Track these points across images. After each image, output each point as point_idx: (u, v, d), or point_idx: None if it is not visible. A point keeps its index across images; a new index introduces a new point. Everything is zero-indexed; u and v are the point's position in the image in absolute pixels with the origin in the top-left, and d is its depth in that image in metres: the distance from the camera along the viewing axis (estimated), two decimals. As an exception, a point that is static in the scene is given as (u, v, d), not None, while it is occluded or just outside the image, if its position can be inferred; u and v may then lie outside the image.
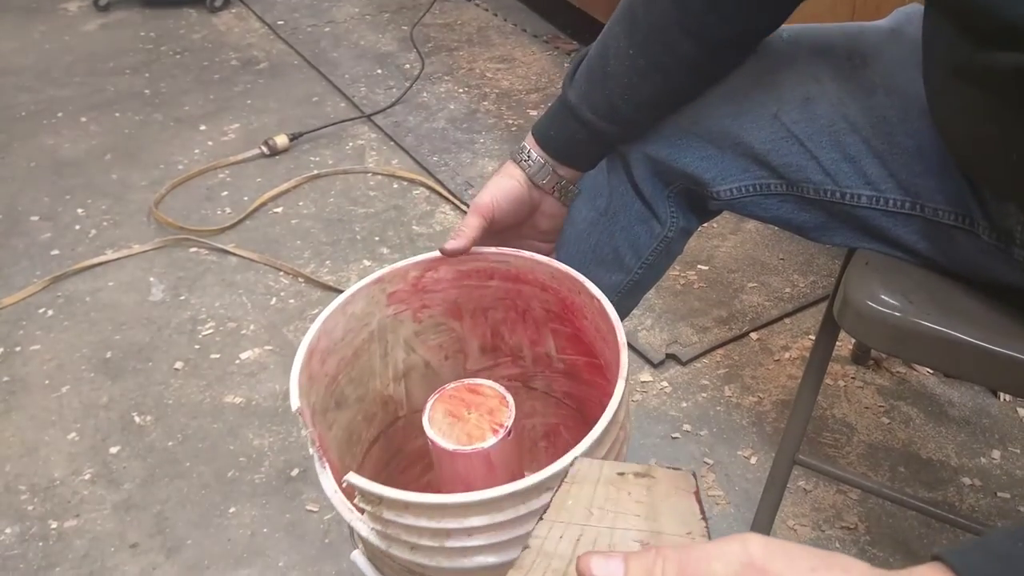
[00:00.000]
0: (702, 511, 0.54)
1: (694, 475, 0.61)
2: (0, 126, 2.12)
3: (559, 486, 0.58)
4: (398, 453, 1.00)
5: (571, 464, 0.63)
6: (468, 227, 0.88)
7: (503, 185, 0.89)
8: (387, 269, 0.89)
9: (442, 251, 0.88)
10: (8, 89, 2.29)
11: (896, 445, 1.26)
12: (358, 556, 0.78)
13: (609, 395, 0.76)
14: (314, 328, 0.81)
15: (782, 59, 0.88)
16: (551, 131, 0.89)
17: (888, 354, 1.21)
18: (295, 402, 0.75)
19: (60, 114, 2.17)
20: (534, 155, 0.89)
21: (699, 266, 1.57)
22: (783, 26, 0.93)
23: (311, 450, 0.77)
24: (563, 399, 1.04)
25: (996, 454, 1.24)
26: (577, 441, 0.73)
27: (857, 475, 1.17)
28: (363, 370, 0.92)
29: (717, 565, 0.38)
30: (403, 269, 0.90)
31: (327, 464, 0.74)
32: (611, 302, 0.88)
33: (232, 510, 1.20)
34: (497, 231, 0.90)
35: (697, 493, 0.57)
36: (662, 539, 0.48)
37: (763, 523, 1.08)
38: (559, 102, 0.89)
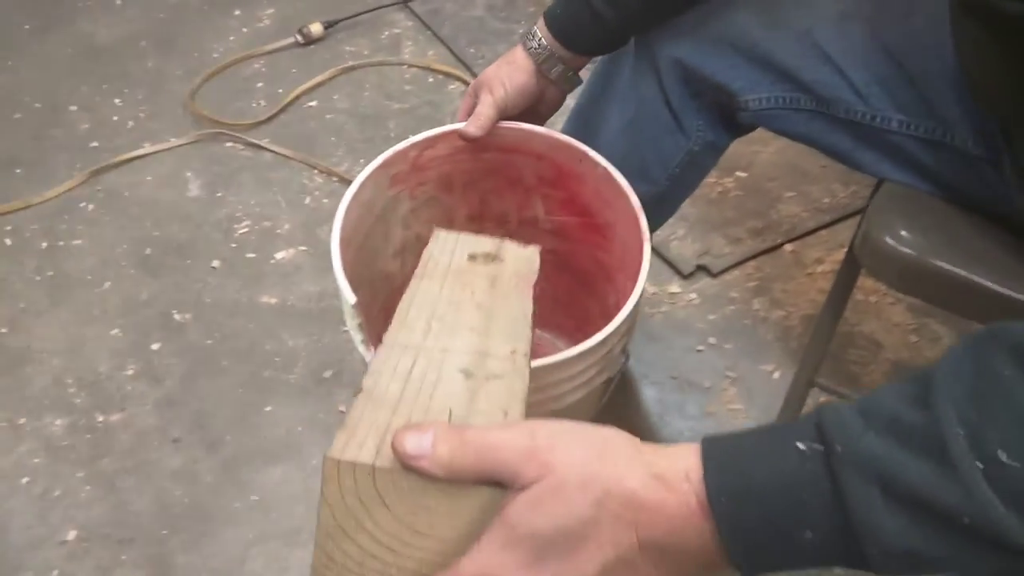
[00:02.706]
0: (533, 312, 0.60)
1: (540, 252, 0.69)
2: (35, 8, 2.11)
3: (411, 281, 0.63)
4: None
5: (432, 237, 0.70)
6: (486, 116, 0.93)
7: (515, 79, 0.93)
8: (390, 152, 0.95)
9: (461, 135, 0.95)
10: (43, -31, 2.26)
11: (922, 364, 1.26)
12: None
13: (605, 249, 0.84)
14: (338, 223, 0.88)
15: None
16: (558, 9, 0.91)
17: (906, 294, 1.20)
18: (350, 297, 0.83)
19: (95, -3, 2.15)
20: (544, 41, 0.91)
21: (737, 173, 1.54)
22: None
23: (358, 337, 0.85)
24: (546, 256, 1.09)
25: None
26: (556, 288, 0.78)
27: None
28: (371, 251, 0.98)
29: (506, 454, 0.43)
30: (404, 150, 0.97)
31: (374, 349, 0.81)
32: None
33: (268, 408, 1.25)
34: (506, 119, 0.96)
35: (536, 285, 0.65)
36: (487, 363, 0.53)
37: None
38: (585, 10, 0.88)
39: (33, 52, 1.97)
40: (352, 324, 0.86)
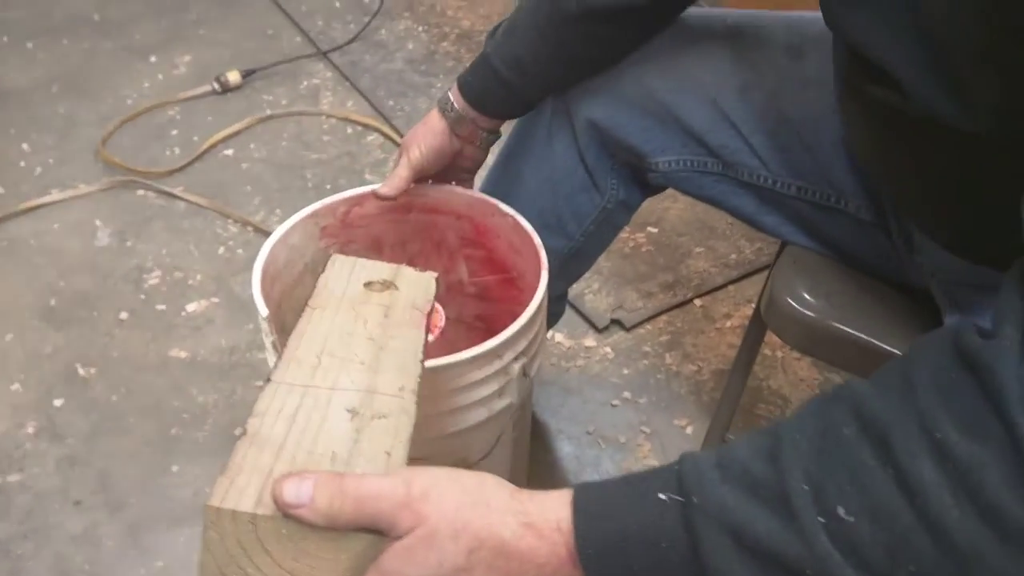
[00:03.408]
0: (424, 345, 0.62)
1: (437, 281, 0.72)
2: (-59, 49, 2.05)
3: (304, 310, 0.64)
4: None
5: (329, 262, 0.71)
6: (400, 177, 0.94)
7: (429, 140, 0.94)
8: (319, 204, 0.96)
9: (376, 195, 0.95)
10: (-51, 8, 2.20)
11: (827, 417, 1.30)
12: None
13: (522, 303, 0.85)
14: (263, 252, 0.89)
15: (725, 43, 0.89)
16: (469, 77, 0.92)
17: (808, 355, 1.25)
18: (263, 310, 0.83)
19: (4, 38, 2.10)
20: (456, 105, 0.93)
21: (648, 228, 1.58)
22: (728, 11, 0.94)
23: (272, 359, 0.84)
24: (474, 322, 1.11)
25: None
26: None
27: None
28: (300, 300, 0.96)
29: (382, 504, 0.44)
30: (333, 204, 0.97)
31: None
32: (555, 268, 0.92)
33: (175, 468, 1.22)
34: (424, 178, 0.97)
35: (429, 314, 0.67)
36: (375, 401, 0.54)
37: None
38: (480, 53, 0.92)
39: (-64, 94, 1.91)
40: (267, 343, 0.86)
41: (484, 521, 0.45)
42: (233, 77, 1.92)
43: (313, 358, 0.58)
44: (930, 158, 0.63)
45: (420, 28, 2.17)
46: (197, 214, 1.62)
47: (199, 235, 1.58)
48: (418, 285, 0.70)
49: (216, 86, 1.91)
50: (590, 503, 0.46)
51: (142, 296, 1.46)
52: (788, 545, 0.42)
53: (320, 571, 0.45)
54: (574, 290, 1.41)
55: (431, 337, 0.85)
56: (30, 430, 1.26)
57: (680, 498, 0.44)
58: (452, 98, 0.92)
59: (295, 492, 0.44)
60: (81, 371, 1.34)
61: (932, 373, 0.44)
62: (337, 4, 2.26)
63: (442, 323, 0.92)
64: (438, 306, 0.92)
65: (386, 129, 1.82)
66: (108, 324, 1.41)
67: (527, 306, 0.85)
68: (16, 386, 1.32)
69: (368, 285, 0.69)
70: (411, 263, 1.08)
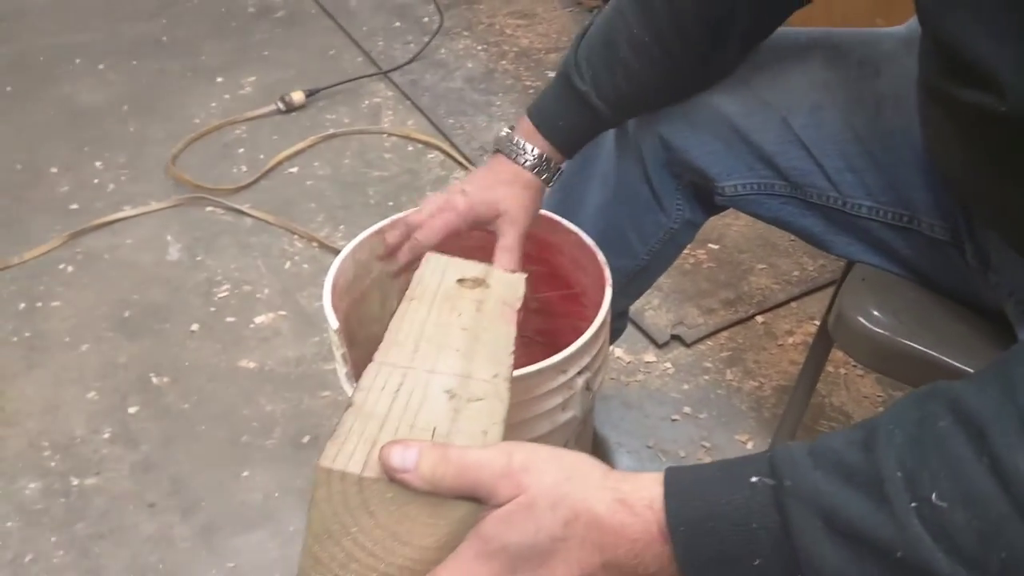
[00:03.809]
0: (516, 339, 0.64)
1: (526, 281, 0.74)
2: (19, 71, 2.13)
3: (402, 301, 0.67)
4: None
5: (423, 259, 0.74)
6: (515, 249, 0.88)
7: (526, 199, 0.88)
8: (386, 221, 0.97)
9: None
10: (26, 32, 2.29)
11: (890, 435, 1.29)
12: None
13: (584, 319, 0.85)
14: (334, 267, 0.91)
15: (796, 63, 0.89)
16: (560, 121, 0.89)
17: (876, 372, 1.24)
18: (333, 323, 0.84)
19: (78, 60, 2.18)
20: (536, 151, 0.89)
21: (709, 245, 1.58)
22: (802, 29, 0.94)
23: (342, 370, 0.86)
24: (535, 337, 1.12)
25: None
26: None
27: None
28: (366, 314, 1.00)
29: (484, 473, 0.46)
30: (399, 220, 0.97)
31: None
32: (619, 285, 0.93)
33: (245, 474, 1.25)
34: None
35: (520, 311, 0.69)
36: (470, 385, 0.57)
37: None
38: (566, 89, 0.88)
39: (15, 114, 1.99)
40: (336, 354, 0.88)
41: (580, 495, 0.46)
42: (297, 97, 1.97)
43: (412, 343, 0.62)
44: (1020, 164, 0.63)
45: (479, 47, 2.21)
46: (264, 230, 1.66)
47: (266, 250, 1.62)
48: (508, 284, 0.74)
49: (281, 105, 1.96)
50: (682, 483, 0.47)
51: (212, 308, 1.50)
52: (879, 528, 0.43)
53: (419, 535, 0.47)
54: (634, 306, 1.42)
55: None
56: (106, 436, 1.30)
57: (772, 481, 0.45)
58: (534, 148, 0.89)
59: (401, 457, 0.46)
60: (154, 380, 1.38)
61: None
62: (397, 24, 2.31)
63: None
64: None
65: (446, 147, 1.85)
66: (180, 335, 1.45)
67: (590, 322, 0.86)
68: (92, 394, 1.37)
69: (461, 281, 0.72)
70: None
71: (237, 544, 1.16)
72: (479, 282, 0.73)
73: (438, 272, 0.73)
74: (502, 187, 0.89)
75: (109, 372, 1.40)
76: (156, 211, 1.71)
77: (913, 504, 0.43)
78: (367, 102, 2.02)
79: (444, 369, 0.59)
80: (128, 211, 1.70)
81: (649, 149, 0.93)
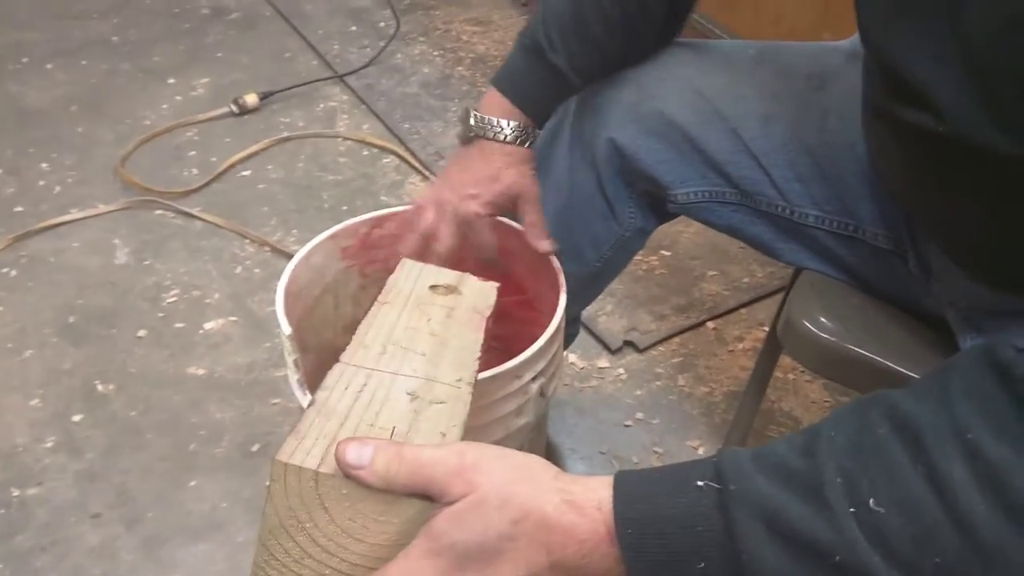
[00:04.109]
0: (482, 346, 0.66)
1: (497, 288, 0.76)
2: (-37, 70, 2.09)
3: (372, 305, 0.68)
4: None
5: (399, 265, 0.75)
6: (541, 223, 0.92)
7: (530, 170, 0.91)
8: (341, 225, 0.98)
9: (546, 252, 0.93)
10: (-29, 30, 2.24)
11: (839, 440, 1.30)
12: None
13: (539, 324, 0.86)
14: (287, 272, 0.90)
15: (747, 74, 0.90)
16: (536, 94, 0.89)
17: (823, 377, 1.26)
18: (286, 328, 0.84)
19: (25, 59, 2.13)
20: (515, 124, 0.89)
21: (661, 251, 1.59)
22: (752, 42, 0.96)
23: (294, 376, 0.85)
24: (492, 343, 1.11)
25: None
26: None
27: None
28: (319, 320, 1.00)
29: (436, 471, 0.47)
30: (354, 225, 0.99)
31: (308, 392, 0.84)
32: (571, 291, 0.93)
33: (192, 483, 1.23)
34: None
35: (489, 318, 0.71)
36: (434, 388, 0.58)
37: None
38: (539, 64, 0.88)
39: (-42, 113, 1.94)
40: (288, 360, 0.87)
41: (530, 495, 0.47)
42: (251, 99, 1.95)
43: (379, 346, 0.63)
44: (959, 181, 0.64)
45: (435, 52, 2.20)
46: (215, 234, 1.64)
47: (217, 254, 1.60)
48: (480, 292, 0.75)
49: (234, 108, 1.94)
50: (631, 486, 0.48)
51: (160, 314, 1.48)
52: (819, 532, 0.44)
53: (372, 532, 0.48)
54: (588, 312, 1.42)
55: None
56: (49, 444, 1.28)
57: (717, 485, 0.46)
58: (527, 127, 0.90)
59: (356, 454, 0.47)
60: (100, 387, 1.36)
61: (967, 382, 0.46)
62: (353, 28, 2.30)
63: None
64: None
65: (401, 151, 1.84)
66: (127, 341, 1.43)
67: (544, 327, 0.86)
68: (35, 401, 1.33)
69: (433, 288, 0.74)
70: None
71: (184, 555, 1.14)
72: (452, 289, 0.74)
73: (412, 278, 0.74)
74: (506, 172, 0.90)
75: (53, 379, 1.37)
76: (104, 214, 1.67)
77: (851, 509, 0.44)
78: (322, 106, 2.00)
79: (408, 372, 0.60)
80: (75, 214, 1.67)
81: (603, 157, 0.94)
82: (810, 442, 0.47)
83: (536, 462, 0.50)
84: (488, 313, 0.72)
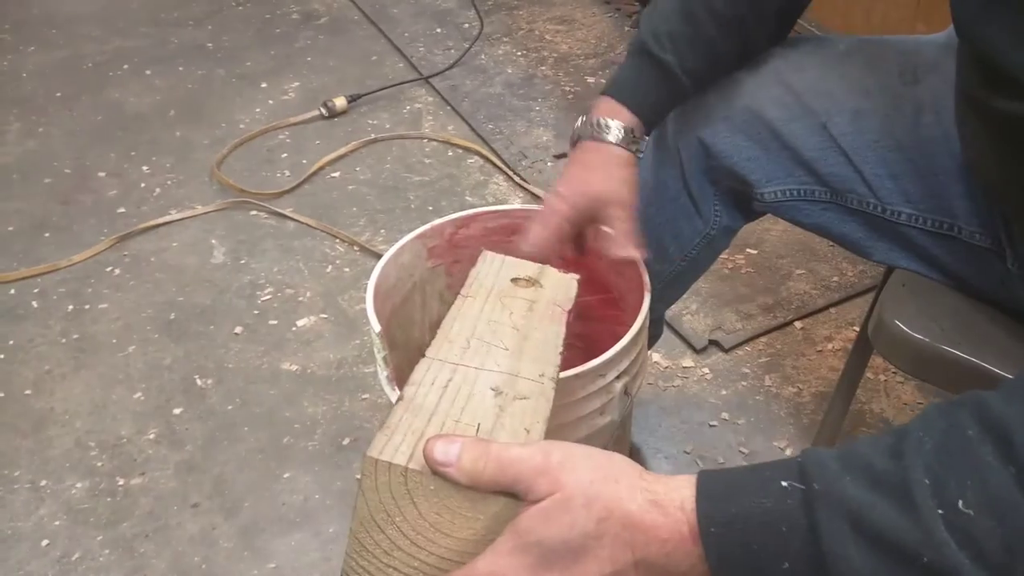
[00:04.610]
0: (564, 340, 0.66)
1: (578, 283, 0.75)
2: (69, 77, 2.19)
3: (457, 298, 0.69)
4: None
5: (480, 258, 0.76)
6: (631, 232, 0.87)
7: (630, 176, 0.87)
8: (428, 225, 0.99)
9: (635, 260, 0.87)
10: (76, 38, 2.34)
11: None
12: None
13: (622, 323, 0.85)
14: (377, 271, 0.91)
15: (837, 69, 0.89)
16: (643, 92, 0.87)
17: (916, 378, 1.23)
18: (376, 326, 0.85)
19: (125, 66, 2.22)
20: (621, 126, 0.86)
21: (748, 250, 1.58)
22: (842, 35, 0.94)
23: (383, 373, 0.88)
24: (573, 341, 1.12)
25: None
26: None
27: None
28: (407, 317, 1.01)
29: (522, 469, 0.48)
30: (440, 225, 0.99)
31: (396, 388, 0.85)
32: (655, 290, 0.93)
33: (287, 475, 1.27)
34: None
35: (570, 312, 0.71)
36: (517, 384, 0.59)
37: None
38: (647, 63, 0.87)
39: (64, 119, 2.04)
40: (378, 357, 0.90)
41: (614, 495, 0.48)
42: (339, 102, 1.99)
43: (463, 340, 0.64)
44: None
45: (519, 53, 2.22)
46: (306, 234, 1.69)
47: (308, 254, 1.64)
48: (561, 285, 0.75)
49: (323, 111, 1.99)
50: (714, 486, 0.48)
51: (255, 311, 1.53)
52: (906, 533, 0.44)
53: (459, 527, 0.49)
54: (672, 311, 1.42)
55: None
56: (151, 436, 1.33)
57: (802, 486, 0.46)
58: (617, 123, 0.86)
59: (444, 451, 0.48)
60: (199, 382, 1.41)
61: None
62: (438, 30, 2.33)
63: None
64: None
65: (485, 152, 1.86)
66: (224, 337, 1.48)
67: (628, 326, 0.86)
68: (138, 395, 1.40)
69: (515, 280, 0.74)
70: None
71: (278, 545, 1.18)
72: (533, 282, 0.75)
73: (493, 271, 0.75)
74: (596, 174, 0.86)
75: (155, 373, 1.43)
76: (201, 215, 1.74)
77: (940, 511, 0.43)
78: (408, 107, 2.04)
79: (492, 367, 0.61)
80: (174, 215, 1.73)
81: (689, 154, 0.93)
82: (897, 443, 0.46)
83: (621, 461, 0.50)
84: (569, 306, 0.72)
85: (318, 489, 1.25)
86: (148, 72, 2.21)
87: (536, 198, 1.72)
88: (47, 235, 1.70)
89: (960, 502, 0.43)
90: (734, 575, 0.47)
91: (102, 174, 1.86)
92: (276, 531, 1.20)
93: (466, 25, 2.34)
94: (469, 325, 0.66)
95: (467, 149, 1.88)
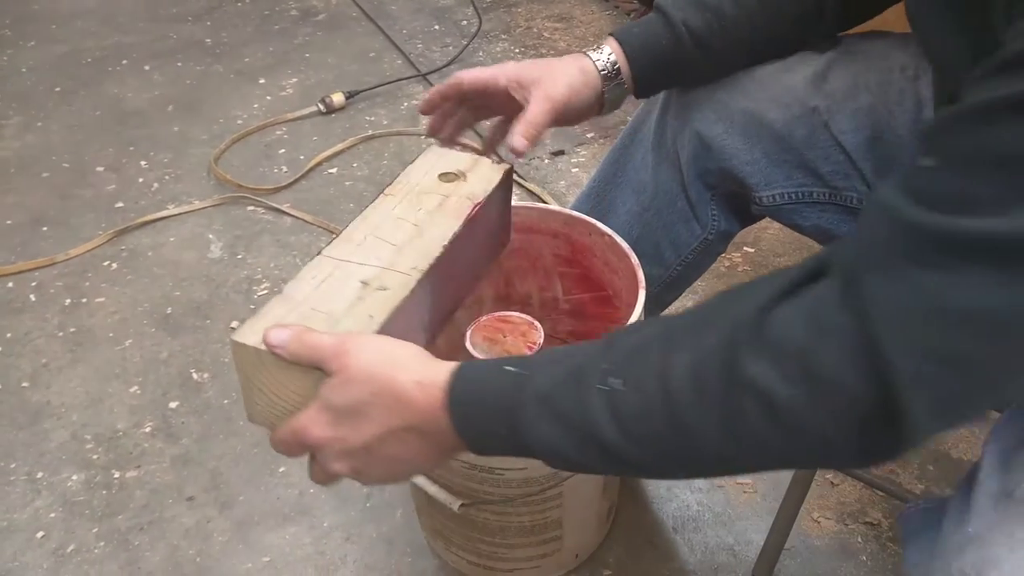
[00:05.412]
0: (456, 233, 0.72)
1: (507, 173, 0.79)
2: (68, 72, 2.19)
3: (379, 196, 0.76)
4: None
5: (427, 150, 0.81)
6: (540, 125, 0.82)
7: (582, 94, 0.85)
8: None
9: (512, 150, 0.81)
10: (74, 34, 2.34)
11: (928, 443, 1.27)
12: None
13: (617, 321, 0.88)
14: None
15: (837, 66, 0.88)
16: (639, 33, 0.86)
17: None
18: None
19: (124, 61, 2.23)
20: (610, 54, 0.86)
21: (745, 248, 1.58)
22: (844, 33, 0.94)
23: None
24: (568, 339, 1.13)
25: (1027, 456, 1.26)
26: None
27: (884, 472, 1.20)
28: None
29: (322, 352, 0.62)
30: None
31: None
32: (651, 294, 0.93)
33: (281, 470, 1.27)
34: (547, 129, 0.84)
35: (480, 205, 0.75)
36: (386, 276, 0.68)
37: (788, 514, 1.11)
38: (652, 15, 0.87)
39: (63, 113, 2.04)
40: None
41: (389, 375, 0.61)
42: (337, 98, 2.00)
43: (360, 237, 0.72)
44: None
45: (517, 50, 2.22)
46: (303, 229, 1.69)
47: (305, 249, 1.64)
48: (484, 176, 0.78)
49: (321, 107, 1.99)
50: (468, 370, 0.61)
51: (252, 306, 1.53)
52: (573, 406, 0.57)
53: (294, 389, 0.64)
54: (669, 311, 1.42)
55: (528, 350, 0.90)
56: (147, 429, 1.33)
57: (525, 372, 0.59)
58: (610, 50, 0.86)
59: (275, 336, 0.63)
60: (195, 376, 1.41)
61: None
62: (436, 27, 2.33)
63: (540, 340, 0.94)
64: (535, 323, 0.95)
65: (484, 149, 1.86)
66: (220, 332, 1.48)
67: (622, 324, 0.87)
68: (135, 388, 1.40)
69: (443, 175, 0.78)
70: (508, 280, 1.12)
71: (273, 538, 1.18)
72: (457, 175, 0.78)
73: (427, 166, 0.79)
74: (547, 65, 0.85)
75: (151, 367, 1.43)
76: (199, 210, 1.74)
77: (599, 386, 0.55)
78: (406, 104, 2.04)
79: (373, 262, 0.69)
80: (171, 210, 1.73)
81: (688, 155, 0.93)
82: (610, 338, 0.58)
83: (408, 350, 0.63)
84: (481, 198, 0.75)
85: (312, 483, 1.24)
86: (147, 67, 2.21)
87: (533, 195, 1.72)
88: (45, 229, 1.70)
89: (620, 382, 0.55)
90: (475, 438, 0.60)
91: (100, 169, 1.86)
92: (270, 524, 1.20)
93: (464, 22, 2.35)
94: (373, 224, 0.73)
95: (465, 146, 1.88)
